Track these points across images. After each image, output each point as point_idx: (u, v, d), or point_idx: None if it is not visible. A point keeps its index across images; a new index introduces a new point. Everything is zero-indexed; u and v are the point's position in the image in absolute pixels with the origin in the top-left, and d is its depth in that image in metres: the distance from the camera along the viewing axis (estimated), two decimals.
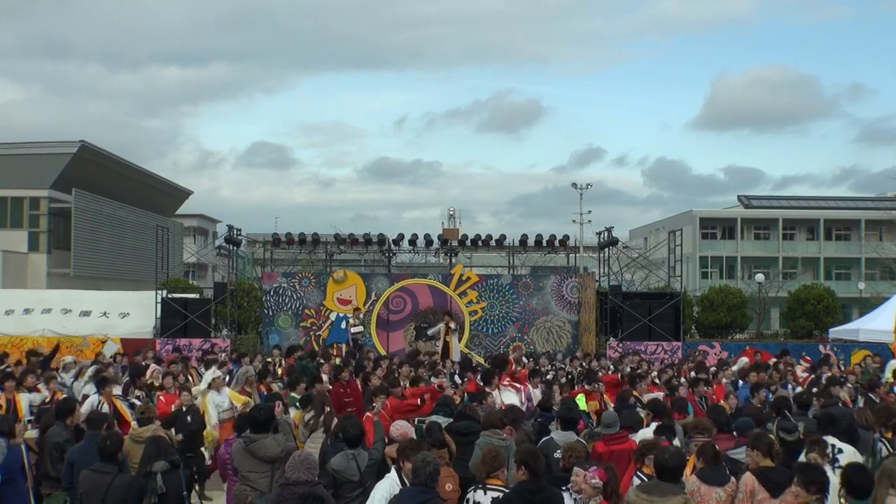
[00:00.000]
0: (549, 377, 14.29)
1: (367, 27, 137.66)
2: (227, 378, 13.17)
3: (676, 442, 8.49)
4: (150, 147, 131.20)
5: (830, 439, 7.82)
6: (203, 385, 12.21)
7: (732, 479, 6.76)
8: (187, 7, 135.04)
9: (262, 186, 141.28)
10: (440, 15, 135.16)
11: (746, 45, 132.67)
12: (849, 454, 7.72)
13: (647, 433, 8.60)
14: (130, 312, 24.70)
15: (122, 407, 11.15)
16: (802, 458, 7.23)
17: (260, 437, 7.77)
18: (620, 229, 66.26)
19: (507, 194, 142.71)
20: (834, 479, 6.47)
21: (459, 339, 23.72)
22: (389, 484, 6.63)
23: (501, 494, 6.38)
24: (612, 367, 17.14)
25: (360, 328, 22.42)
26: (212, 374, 12.55)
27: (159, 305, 23.79)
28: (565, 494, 6.50)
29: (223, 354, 18.39)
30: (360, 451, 7.59)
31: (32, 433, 8.68)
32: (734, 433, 8.30)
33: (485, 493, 6.42)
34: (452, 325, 21.24)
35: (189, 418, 10.51)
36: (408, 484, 6.49)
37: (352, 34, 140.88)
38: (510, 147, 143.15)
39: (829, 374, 14.77)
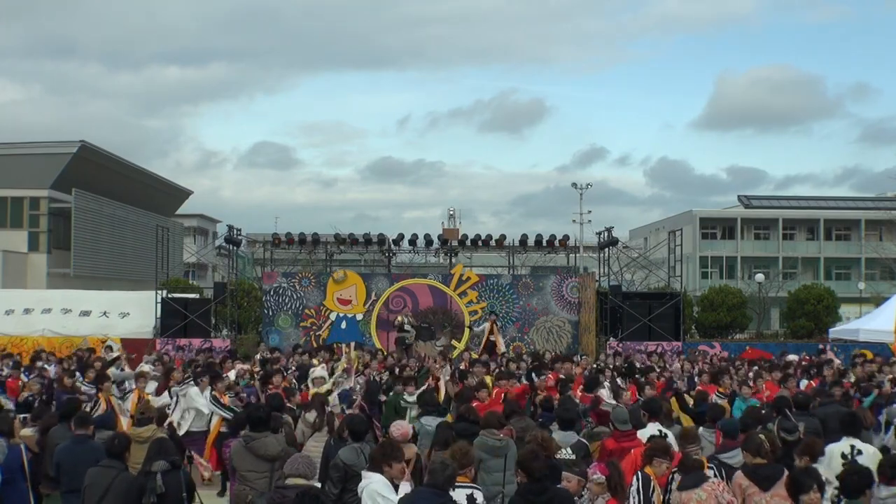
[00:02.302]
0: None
1: (368, 27, 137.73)
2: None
3: (671, 441, 8.49)
4: (152, 147, 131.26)
5: (850, 440, 7.89)
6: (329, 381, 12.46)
7: (713, 478, 6.79)
8: (187, 7, 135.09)
9: (264, 186, 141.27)
10: (441, 15, 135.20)
11: (749, 45, 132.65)
12: (868, 454, 7.77)
13: (644, 433, 8.60)
14: (130, 312, 24.70)
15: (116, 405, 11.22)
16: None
17: (260, 436, 7.77)
18: (623, 229, 66.62)
19: (509, 194, 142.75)
20: None
21: (460, 340, 23.85)
22: (384, 485, 6.57)
23: (472, 490, 6.41)
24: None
25: (411, 329, 22.65)
26: (322, 370, 12.96)
27: (159, 305, 23.80)
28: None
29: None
30: (365, 445, 7.67)
31: (27, 431, 8.67)
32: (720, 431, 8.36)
33: (453, 490, 6.35)
34: (498, 324, 22.32)
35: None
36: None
37: (353, 34, 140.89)
38: (512, 147, 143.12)
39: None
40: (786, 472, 6.59)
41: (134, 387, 12.68)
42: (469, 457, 6.63)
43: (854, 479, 6.04)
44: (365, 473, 6.71)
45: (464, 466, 6.53)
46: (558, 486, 6.59)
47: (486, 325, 22.11)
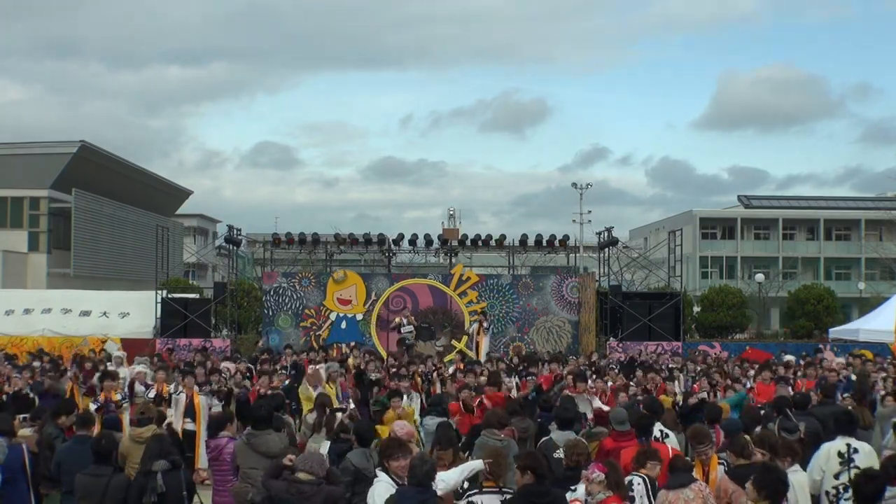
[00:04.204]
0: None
1: (369, 26, 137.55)
2: None
3: (671, 442, 8.51)
4: (154, 147, 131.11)
5: (846, 439, 7.89)
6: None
7: (700, 480, 6.84)
8: (188, 6, 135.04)
9: (265, 186, 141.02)
10: (444, 14, 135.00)
11: (752, 45, 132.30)
12: (864, 452, 7.76)
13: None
14: (130, 312, 24.71)
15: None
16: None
17: (262, 433, 7.81)
18: (624, 229, 66.56)
19: (510, 194, 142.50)
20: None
21: (460, 340, 23.87)
22: (385, 487, 6.60)
23: (493, 495, 6.36)
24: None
25: (411, 328, 22.71)
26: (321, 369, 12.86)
27: (159, 305, 23.80)
28: (570, 494, 6.48)
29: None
30: (373, 451, 7.69)
31: (26, 431, 8.69)
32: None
33: (482, 494, 6.38)
34: (486, 325, 22.26)
35: None
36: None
37: (354, 33, 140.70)
38: (514, 147, 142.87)
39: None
40: None
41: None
42: (503, 466, 6.58)
43: (868, 485, 5.79)
44: (378, 472, 6.78)
45: (499, 476, 6.47)
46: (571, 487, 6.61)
47: (475, 327, 22.44)
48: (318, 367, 13.60)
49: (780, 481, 5.86)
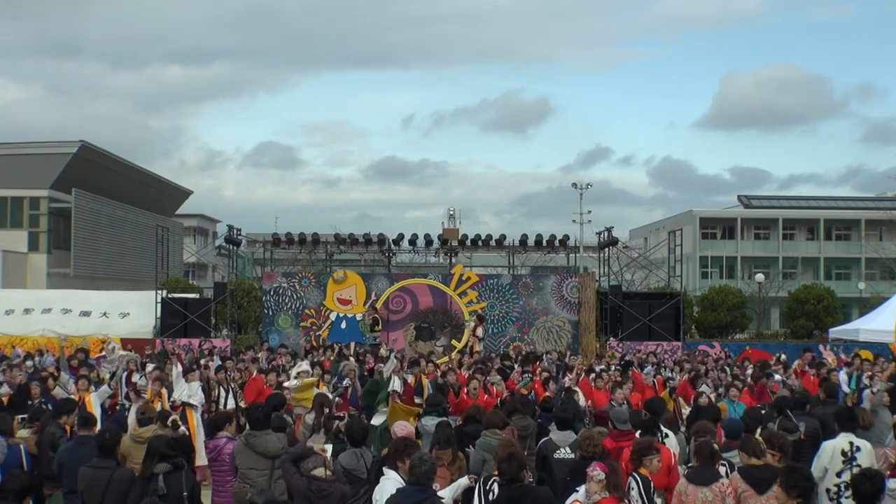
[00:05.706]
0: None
1: (371, 26, 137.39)
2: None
3: (671, 442, 8.51)
4: (155, 147, 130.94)
5: (849, 436, 7.87)
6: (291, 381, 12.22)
7: (723, 479, 6.80)
8: (189, 6, 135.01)
9: (266, 186, 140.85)
10: (446, 13, 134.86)
11: (755, 44, 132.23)
12: (866, 451, 7.76)
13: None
14: (130, 312, 24.70)
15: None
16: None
17: (261, 434, 7.81)
18: (624, 229, 66.40)
19: (512, 194, 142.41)
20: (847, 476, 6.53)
21: (460, 340, 23.86)
22: (393, 484, 6.62)
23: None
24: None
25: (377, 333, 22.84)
26: (306, 364, 12.80)
27: (159, 305, 23.79)
28: (573, 495, 6.47)
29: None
30: (365, 450, 7.66)
31: (24, 432, 8.69)
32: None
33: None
34: (480, 330, 22.32)
35: None
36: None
37: (356, 32, 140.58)
38: (517, 147, 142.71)
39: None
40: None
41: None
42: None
43: (867, 484, 5.74)
44: (385, 469, 6.82)
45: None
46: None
47: (471, 326, 22.48)
48: (302, 363, 13.21)
49: (808, 479, 5.89)
